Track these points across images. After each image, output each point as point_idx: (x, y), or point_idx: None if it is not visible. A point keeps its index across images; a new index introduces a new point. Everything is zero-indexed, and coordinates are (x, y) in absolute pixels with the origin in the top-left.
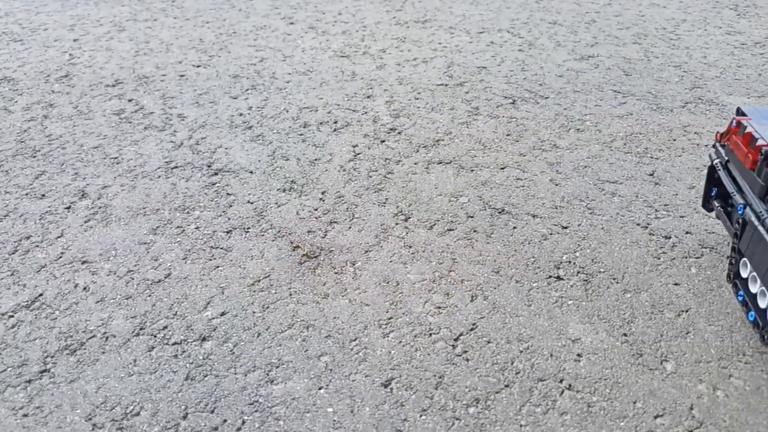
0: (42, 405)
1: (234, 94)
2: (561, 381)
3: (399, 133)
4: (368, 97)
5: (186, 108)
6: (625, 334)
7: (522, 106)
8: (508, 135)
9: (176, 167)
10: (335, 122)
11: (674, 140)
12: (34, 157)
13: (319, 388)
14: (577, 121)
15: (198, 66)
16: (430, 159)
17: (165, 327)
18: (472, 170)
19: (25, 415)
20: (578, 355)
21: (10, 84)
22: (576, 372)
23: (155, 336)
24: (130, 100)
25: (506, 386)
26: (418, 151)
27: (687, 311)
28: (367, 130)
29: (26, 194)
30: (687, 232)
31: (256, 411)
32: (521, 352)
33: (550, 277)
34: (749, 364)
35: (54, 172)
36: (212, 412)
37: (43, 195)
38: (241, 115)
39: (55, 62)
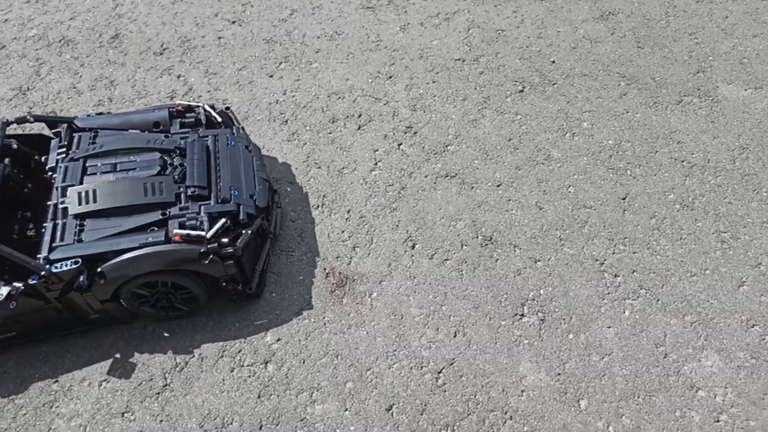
0: (171, 413)
1: (269, 69)
2: (506, 413)
3: (415, 133)
4: (390, 78)
5: (228, 90)
6: (558, 374)
7: (529, 96)
8: (509, 140)
9: None
10: (359, 116)
11: (656, 152)
12: None
13: (345, 410)
14: (575, 120)
15: (233, 22)
16: (438, 172)
17: (240, 351)
18: (472, 187)
19: (162, 421)
20: (522, 391)
21: (70, 50)
22: (517, 406)
23: (233, 358)
24: (179, 77)
25: (468, 415)
26: (429, 159)
27: (609, 354)
28: (387, 128)
29: None
30: (633, 271)
31: (305, 426)
32: (483, 386)
33: (516, 314)
34: (639, 406)
35: None
36: (277, 425)
37: None
38: (277, 102)
39: (102, 15)
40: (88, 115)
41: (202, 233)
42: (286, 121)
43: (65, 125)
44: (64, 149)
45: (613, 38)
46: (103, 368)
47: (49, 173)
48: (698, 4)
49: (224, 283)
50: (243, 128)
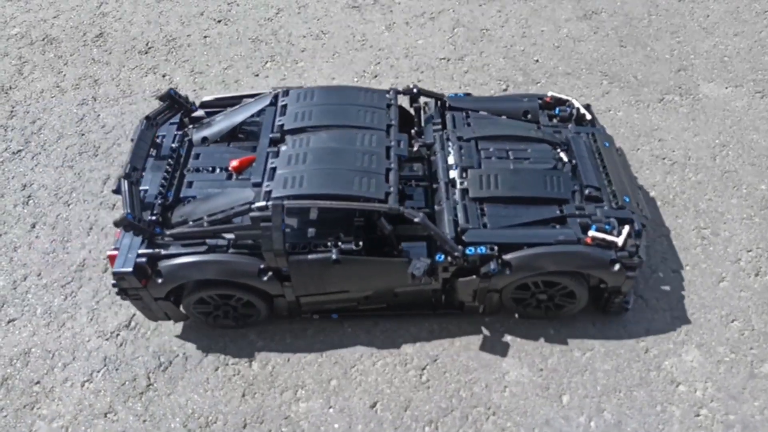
0: (154, 413)
1: (255, 69)
2: (489, 408)
3: None
4: (375, 77)
5: (214, 89)
6: (541, 369)
7: None
8: None
9: None
10: None
11: (637, 150)
12: (96, 155)
13: (329, 408)
14: None
15: (219, 21)
16: None
17: (224, 349)
18: None
19: (145, 421)
20: (505, 386)
21: (54, 48)
22: (500, 401)
23: (218, 357)
24: (164, 76)
25: (451, 411)
26: None
27: (591, 350)
28: None
29: (100, 203)
30: None
31: (289, 424)
32: (466, 382)
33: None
34: (620, 401)
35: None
36: (261, 423)
37: (114, 205)
38: None
39: (86, 13)
40: (455, 94)
41: (615, 239)
42: None
43: (436, 102)
44: (439, 126)
45: (596, 37)
46: (86, 368)
47: (424, 148)
48: (680, 4)
49: (607, 294)
50: (604, 128)
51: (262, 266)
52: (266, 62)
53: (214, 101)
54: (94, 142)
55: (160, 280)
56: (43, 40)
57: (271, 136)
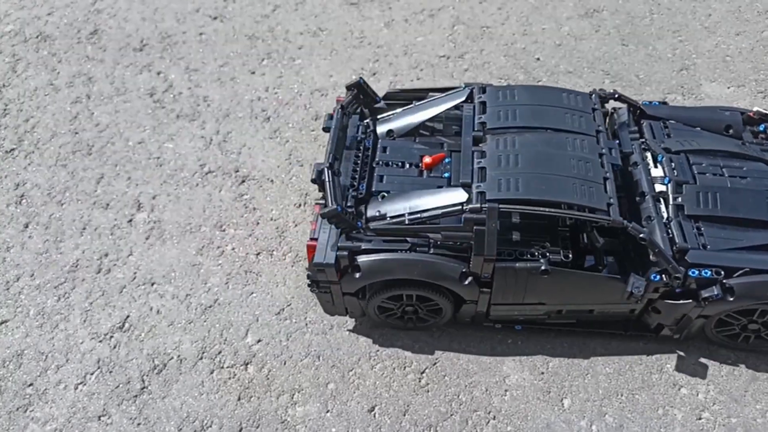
0: (148, 417)
1: (252, 66)
2: (489, 413)
3: None
4: (374, 74)
5: (210, 87)
6: (542, 373)
7: None
8: None
9: (209, 172)
10: None
11: None
12: (90, 154)
13: (327, 412)
14: None
15: (215, 18)
16: None
17: (219, 352)
18: None
19: (139, 424)
20: (505, 390)
21: (47, 46)
22: (500, 405)
23: (213, 360)
24: (159, 73)
25: (451, 415)
26: None
27: (593, 353)
28: None
29: (94, 203)
30: None
31: (285, 428)
32: (466, 386)
33: None
34: (622, 404)
35: (111, 176)
36: (257, 427)
37: (108, 205)
38: (259, 99)
39: (81, 10)
40: (650, 102)
41: None
42: (268, 119)
43: (629, 109)
44: (636, 134)
45: (598, 36)
46: (79, 370)
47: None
48: (682, 3)
49: None
50: None
51: (464, 270)
52: (263, 59)
53: (399, 93)
54: (87, 141)
55: (357, 275)
56: (37, 37)
57: (474, 134)
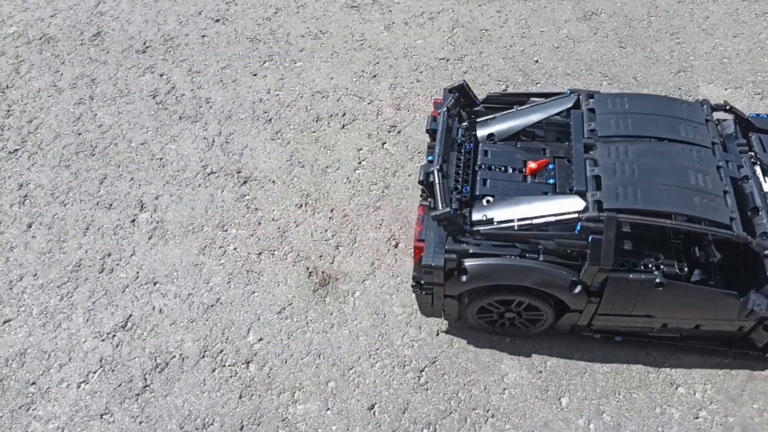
0: (150, 415)
1: (253, 68)
2: (488, 411)
3: (398, 132)
4: (374, 77)
5: (212, 89)
6: (540, 371)
7: None
8: None
9: (212, 173)
10: (343, 115)
11: None
12: (93, 155)
13: (327, 410)
14: None
15: (217, 21)
16: None
17: (221, 351)
18: None
19: (141, 423)
20: (504, 389)
21: (51, 47)
22: (499, 404)
23: (215, 358)
24: (161, 75)
25: (450, 413)
26: (412, 158)
27: (591, 352)
28: (371, 127)
29: (97, 203)
30: None
31: (286, 426)
32: (465, 384)
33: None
34: (620, 403)
35: (114, 176)
36: (259, 425)
37: (111, 205)
38: (261, 101)
39: (84, 12)
40: (758, 114)
41: None
42: (270, 120)
43: (735, 121)
44: (744, 147)
45: (596, 38)
46: (82, 369)
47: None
48: (680, 5)
49: None
50: None
51: (574, 278)
52: (264, 62)
53: (499, 97)
54: (90, 142)
55: (463, 278)
56: (41, 39)
57: (585, 141)
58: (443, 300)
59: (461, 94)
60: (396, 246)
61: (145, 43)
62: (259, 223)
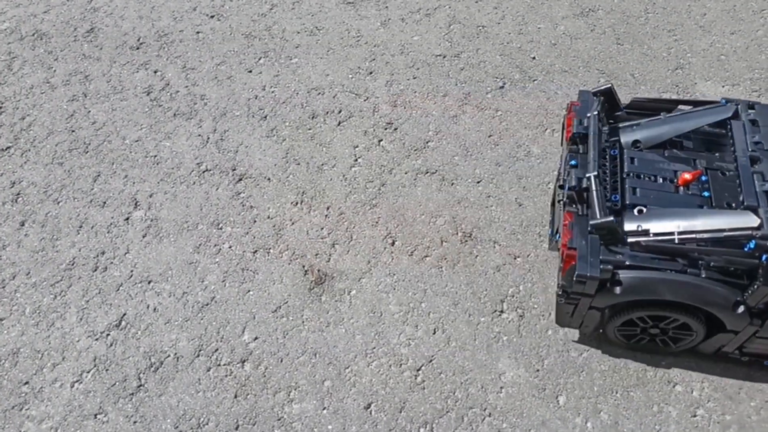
0: (145, 414)
1: (248, 65)
2: (485, 410)
3: (395, 129)
4: (370, 73)
5: (207, 86)
6: (537, 370)
7: (509, 92)
8: (490, 136)
9: (206, 170)
10: (339, 112)
11: None
12: (87, 152)
13: (323, 409)
14: (555, 117)
15: (212, 17)
16: (419, 168)
17: (216, 350)
18: (452, 184)
19: (135, 422)
20: (501, 387)
21: (44, 44)
22: (496, 402)
23: (210, 357)
24: (156, 72)
25: (447, 412)
26: (409, 155)
27: (588, 350)
28: (367, 124)
29: (90, 201)
30: None
31: (282, 425)
32: (462, 383)
33: (495, 311)
34: (617, 401)
35: (108, 174)
36: (254, 425)
37: (104, 203)
38: (256, 98)
39: (77, 8)
40: None
41: None
42: (266, 117)
43: None
44: None
45: (593, 35)
46: (75, 368)
47: None
48: (677, 2)
49: None
50: None
51: (738, 298)
52: (260, 58)
53: (645, 103)
54: (84, 139)
55: (617, 290)
56: (33, 35)
57: (750, 154)
58: (586, 311)
59: (606, 98)
60: (392, 244)
61: (139, 40)
62: (255, 221)
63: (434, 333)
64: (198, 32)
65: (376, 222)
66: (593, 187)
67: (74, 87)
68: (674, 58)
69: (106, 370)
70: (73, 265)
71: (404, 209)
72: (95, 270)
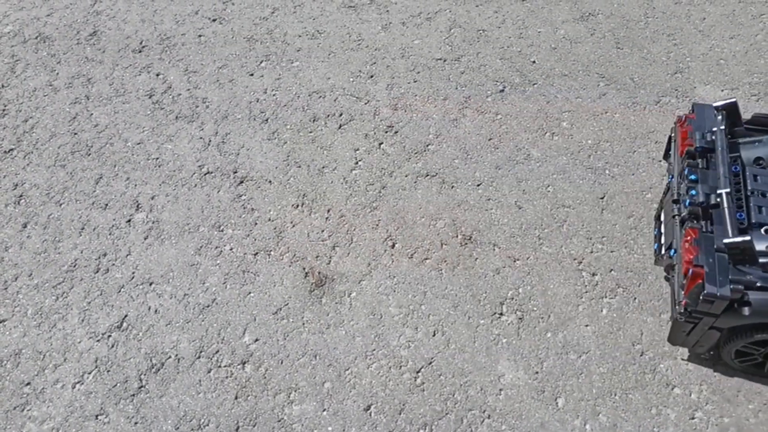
0: (146, 415)
1: (250, 68)
2: (484, 412)
3: (395, 132)
4: (371, 77)
5: (208, 89)
6: (536, 372)
7: (509, 96)
8: (490, 140)
9: (208, 173)
10: (340, 115)
11: (634, 152)
12: (89, 154)
13: (323, 411)
14: (555, 120)
15: (214, 20)
16: (419, 171)
17: (217, 351)
18: (452, 187)
19: (136, 423)
20: (500, 389)
21: (47, 47)
22: (495, 404)
23: (210, 359)
24: (158, 75)
25: (446, 414)
26: (409, 159)
27: (587, 353)
28: (368, 128)
29: (92, 203)
30: (611, 270)
31: (282, 427)
32: (461, 385)
33: (495, 313)
34: (616, 404)
35: (110, 176)
36: (254, 426)
37: (106, 205)
38: (258, 101)
39: (80, 11)
40: None
41: None
42: (267, 120)
43: None
44: None
45: (593, 39)
46: (77, 369)
47: None
48: (677, 6)
49: None
50: None
51: None
52: (261, 62)
53: (764, 119)
54: (86, 141)
55: (746, 311)
56: (36, 38)
57: None
58: (706, 331)
59: (729, 113)
60: (393, 246)
61: (141, 43)
62: (256, 224)
63: (434, 335)
64: (200, 36)
65: (377, 224)
66: (725, 204)
67: (77, 90)
68: (674, 63)
69: (108, 371)
70: (74, 266)
71: (404, 212)
72: (97, 272)
